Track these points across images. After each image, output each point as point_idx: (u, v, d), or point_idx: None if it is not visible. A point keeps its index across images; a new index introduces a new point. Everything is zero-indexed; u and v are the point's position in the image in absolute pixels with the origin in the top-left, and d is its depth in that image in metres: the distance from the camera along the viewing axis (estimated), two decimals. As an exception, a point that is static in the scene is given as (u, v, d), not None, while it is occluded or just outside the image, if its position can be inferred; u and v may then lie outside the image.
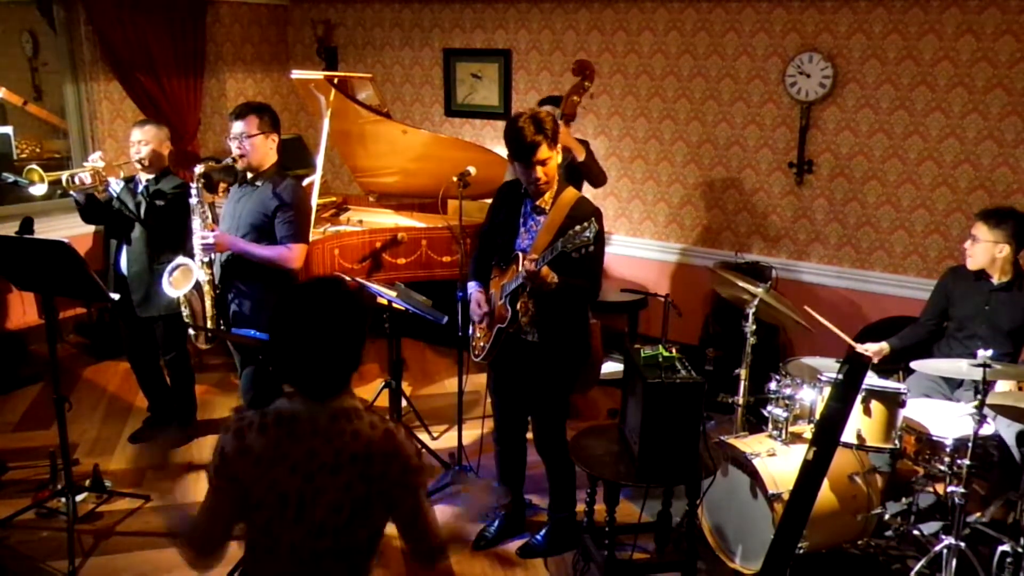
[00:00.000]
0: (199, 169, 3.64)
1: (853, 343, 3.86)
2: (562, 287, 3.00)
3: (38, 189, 3.89)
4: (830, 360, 3.68)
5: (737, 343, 3.81)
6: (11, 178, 3.92)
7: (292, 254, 3.56)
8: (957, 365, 3.14)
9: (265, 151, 3.56)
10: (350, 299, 1.79)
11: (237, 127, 3.51)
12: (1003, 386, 3.37)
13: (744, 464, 3.24)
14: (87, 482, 3.81)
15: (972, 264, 3.70)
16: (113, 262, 4.10)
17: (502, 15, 5.80)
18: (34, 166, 3.87)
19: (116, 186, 3.90)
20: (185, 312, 3.83)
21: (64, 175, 3.88)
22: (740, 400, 3.80)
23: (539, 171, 3.03)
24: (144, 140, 3.95)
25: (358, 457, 1.75)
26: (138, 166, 3.99)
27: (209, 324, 3.68)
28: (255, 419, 1.76)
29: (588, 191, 4.04)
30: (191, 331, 3.90)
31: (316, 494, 1.74)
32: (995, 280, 3.68)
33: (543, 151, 2.99)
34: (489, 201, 3.50)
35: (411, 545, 1.92)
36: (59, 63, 5.67)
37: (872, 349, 3.80)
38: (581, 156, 4.18)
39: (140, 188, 3.98)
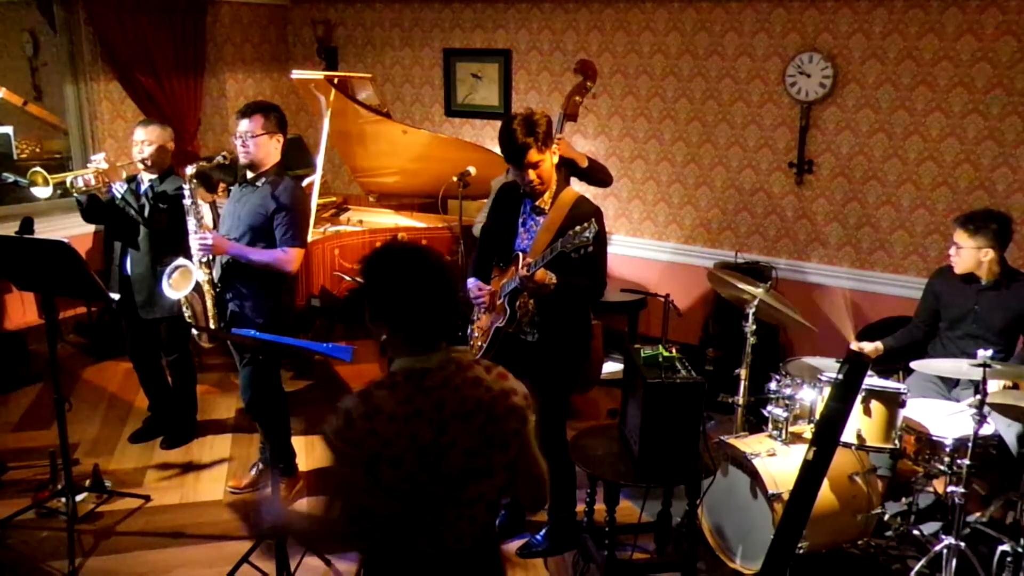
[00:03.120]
0: (191, 170, 3.63)
1: (851, 340, 3.86)
2: (562, 287, 2.99)
3: (42, 192, 3.88)
4: (830, 360, 3.68)
5: (737, 343, 3.81)
6: (11, 178, 3.92)
7: (288, 257, 3.55)
8: (958, 365, 3.14)
9: (268, 151, 3.55)
10: (430, 251, 1.89)
11: (243, 125, 3.49)
12: (994, 385, 3.37)
13: (744, 464, 3.24)
14: (87, 482, 3.81)
15: (959, 269, 3.69)
16: (119, 263, 4.10)
17: (502, 15, 5.80)
18: (38, 169, 3.86)
19: (119, 188, 3.89)
20: (187, 313, 3.83)
21: (68, 177, 3.88)
22: (740, 400, 3.79)
23: (531, 174, 3.02)
24: (148, 140, 3.95)
25: (483, 402, 1.80)
26: (141, 166, 3.98)
27: (211, 324, 3.68)
28: (383, 380, 1.78)
29: (591, 190, 4.03)
30: (194, 331, 3.90)
31: (451, 444, 1.76)
32: (983, 280, 3.67)
33: (533, 154, 2.97)
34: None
35: (520, 492, 2.02)
36: (59, 63, 5.67)
37: (867, 348, 3.80)
38: (584, 163, 4.13)
39: (143, 188, 3.98)
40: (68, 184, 3.86)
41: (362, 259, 1.86)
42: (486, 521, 1.90)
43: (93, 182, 3.88)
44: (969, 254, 3.63)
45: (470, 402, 1.79)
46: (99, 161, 3.91)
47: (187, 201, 3.61)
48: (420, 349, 1.81)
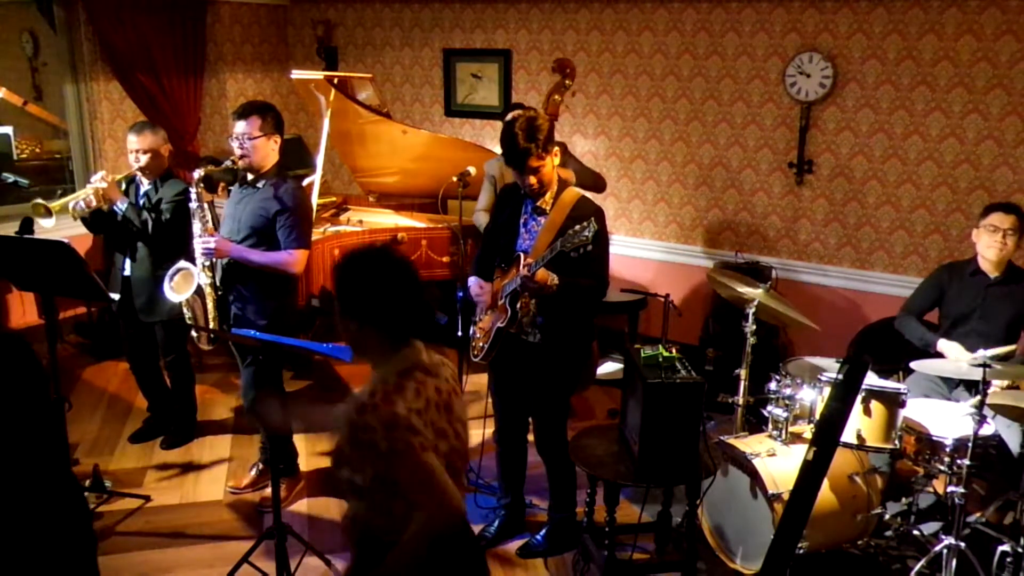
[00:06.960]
0: (198, 173, 3.61)
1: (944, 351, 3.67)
2: (564, 287, 2.99)
3: (48, 223, 3.89)
4: (830, 360, 3.68)
5: (737, 343, 3.81)
6: (11, 178, 3.93)
7: (293, 259, 3.54)
8: (957, 365, 3.14)
9: (267, 152, 3.53)
10: (396, 251, 2.03)
11: (239, 127, 3.47)
12: (996, 384, 3.37)
13: (744, 464, 3.24)
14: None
15: (1003, 256, 3.61)
16: (120, 265, 4.09)
17: (502, 15, 5.79)
18: (39, 201, 3.83)
19: (121, 206, 3.87)
20: (188, 315, 3.83)
21: (70, 202, 3.87)
22: (740, 400, 3.79)
23: (532, 179, 3.03)
24: (142, 148, 3.90)
25: (454, 393, 2.01)
26: (139, 174, 3.98)
27: (212, 326, 3.67)
28: (392, 381, 1.85)
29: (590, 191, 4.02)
30: (193, 332, 3.89)
31: (452, 424, 1.95)
32: (991, 275, 3.68)
33: (534, 160, 2.98)
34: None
35: None
36: (59, 63, 5.67)
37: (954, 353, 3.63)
38: (572, 179, 4.09)
39: (142, 192, 3.97)
40: (70, 209, 3.84)
41: (334, 265, 1.97)
42: None
43: (94, 202, 3.86)
44: (1013, 240, 3.59)
45: (446, 394, 1.96)
46: (98, 180, 3.88)
47: (193, 204, 3.60)
48: (393, 343, 1.91)
